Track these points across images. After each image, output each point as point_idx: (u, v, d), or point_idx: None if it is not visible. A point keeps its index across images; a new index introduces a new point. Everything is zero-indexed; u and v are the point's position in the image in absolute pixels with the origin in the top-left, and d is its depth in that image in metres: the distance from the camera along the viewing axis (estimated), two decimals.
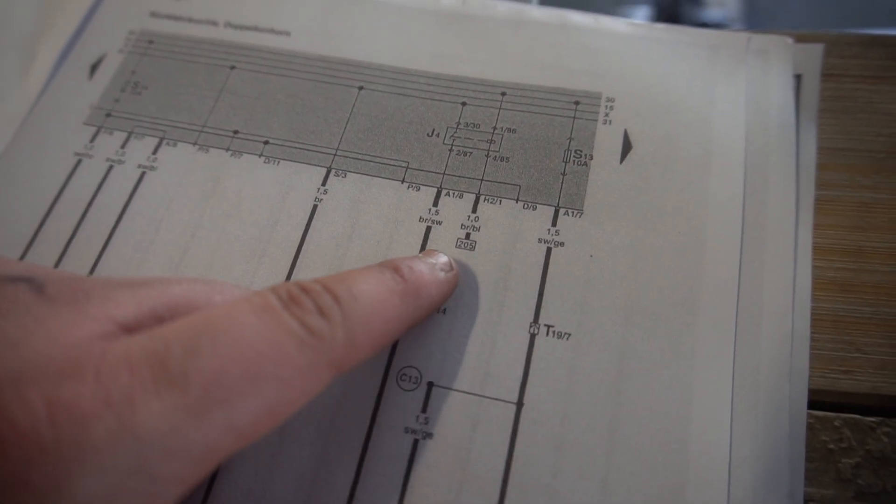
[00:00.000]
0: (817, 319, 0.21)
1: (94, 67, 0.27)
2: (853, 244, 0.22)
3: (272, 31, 0.27)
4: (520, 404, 0.19)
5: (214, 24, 0.28)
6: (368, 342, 0.16)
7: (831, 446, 0.19)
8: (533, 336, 0.20)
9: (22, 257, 0.23)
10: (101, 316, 0.15)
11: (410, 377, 0.20)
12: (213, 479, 0.19)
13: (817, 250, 0.21)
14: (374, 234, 0.22)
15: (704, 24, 1.43)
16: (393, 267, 0.18)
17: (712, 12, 1.50)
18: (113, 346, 0.14)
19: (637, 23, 0.26)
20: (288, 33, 0.27)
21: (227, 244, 0.23)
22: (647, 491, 0.18)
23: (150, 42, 0.27)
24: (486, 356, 0.20)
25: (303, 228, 0.23)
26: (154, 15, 0.28)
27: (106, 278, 0.20)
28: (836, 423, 0.20)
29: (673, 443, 0.19)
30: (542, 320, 0.21)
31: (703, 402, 0.19)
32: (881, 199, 0.22)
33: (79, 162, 0.25)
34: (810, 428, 0.19)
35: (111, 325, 0.15)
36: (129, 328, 0.16)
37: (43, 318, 0.15)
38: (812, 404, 0.19)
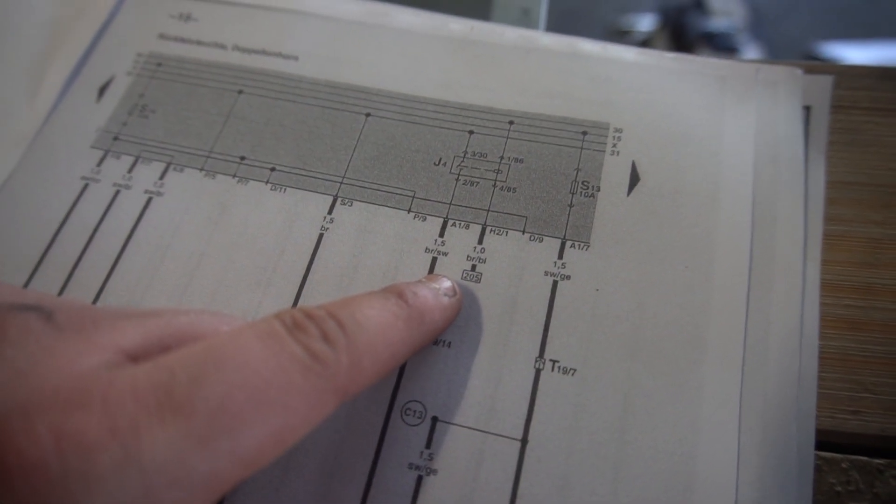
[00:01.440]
0: (825, 358, 0.20)
1: (102, 90, 0.27)
2: (862, 281, 0.22)
3: (280, 55, 0.27)
4: (524, 441, 0.19)
5: (223, 47, 0.28)
6: (373, 368, 0.16)
7: (839, 489, 0.19)
8: (538, 371, 0.20)
9: (27, 282, 0.23)
10: (109, 345, 0.15)
11: (415, 412, 0.20)
12: None
13: (826, 287, 0.21)
14: (379, 264, 0.22)
15: (710, 34, 1.43)
16: (397, 292, 0.18)
17: (718, 22, 1.49)
18: (119, 374, 0.14)
19: (646, 51, 0.26)
20: (296, 58, 0.27)
21: (232, 272, 0.23)
22: None
23: (159, 65, 0.28)
24: (490, 391, 0.20)
25: (308, 257, 0.23)
26: (162, 37, 0.28)
27: (114, 307, 0.20)
28: (843, 465, 0.19)
29: (679, 483, 0.19)
30: (547, 355, 0.20)
31: (709, 442, 0.19)
32: (891, 235, 0.22)
33: (85, 186, 0.25)
34: (818, 470, 0.19)
35: (118, 355, 0.15)
36: (136, 357, 0.16)
37: (51, 346, 0.15)
38: (820, 445, 0.19)
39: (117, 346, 0.16)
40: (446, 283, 0.21)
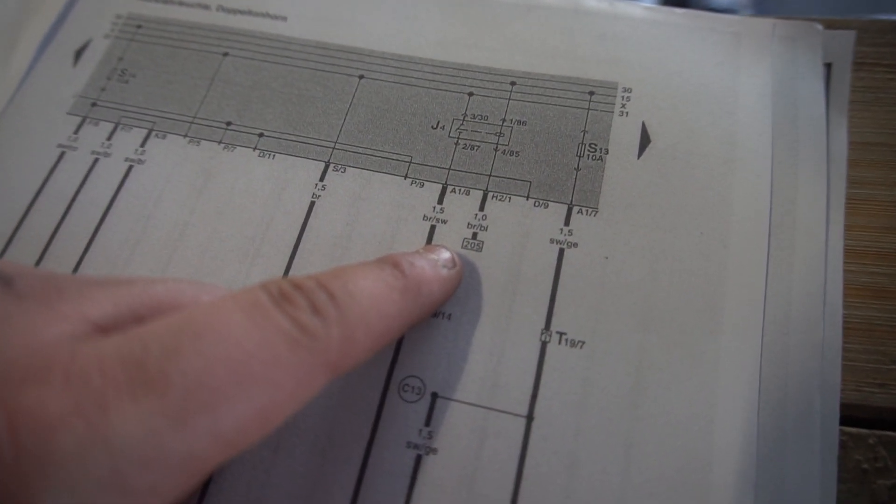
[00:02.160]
0: (850, 328, 0.19)
1: (78, 54, 0.26)
2: (888, 247, 0.20)
3: (267, 15, 0.26)
4: (530, 418, 0.18)
5: (206, 7, 0.26)
6: (366, 342, 0.15)
7: (865, 466, 0.18)
8: (544, 344, 0.19)
9: (0, 256, 0.22)
10: (75, 315, 0.14)
11: (413, 388, 0.19)
12: (201, 498, 0.18)
13: (849, 253, 0.20)
14: (374, 233, 0.21)
15: (712, 9, 1.40)
16: (393, 262, 0.17)
17: None
18: (85, 346, 0.13)
19: (655, 7, 0.24)
20: (284, 18, 0.26)
21: (218, 243, 0.21)
22: None
23: (139, 27, 0.26)
24: (493, 365, 0.19)
25: (299, 227, 0.21)
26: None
27: (83, 276, 0.18)
28: (870, 441, 0.18)
29: (694, 461, 0.17)
30: (553, 327, 0.19)
31: (727, 418, 0.18)
32: None
33: (62, 154, 0.23)
34: (843, 446, 0.18)
35: (85, 325, 0.14)
36: (106, 329, 0.14)
37: (9, 316, 0.13)
38: (844, 420, 0.18)
39: (84, 315, 0.14)
40: (445, 254, 0.19)
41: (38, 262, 0.21)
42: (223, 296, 0.14)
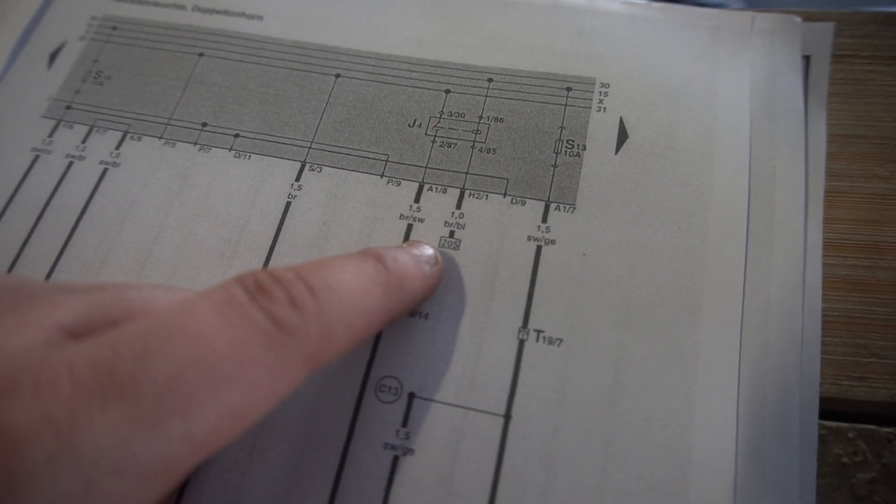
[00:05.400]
0: (829, 321, 0.19)
1: (53, 56, 0.25)
2: (867, 239, 0.20)
3: (243, 14, 0.25)
4: (507, 417, 0.18)
5: (182, 7, 0.26)
6: (346, 336, 0.15)
7: (845, 460, 0.18)
8: (522, 342, 0.19)
9: None
10: (46, 322, 0.14)
11: (390, 388, 0.19)
12: (178, 501, 0.18)
13: (829, 246, 0.20)
14: (351, 233, 0.21)
15: (702, 4, 1.40)
16: (376, 256, 0.17)
17: None
18: (55, 354, 0.13)
19: (633, 2, 0.24)
20: (260, 17, 0.25)
21: (194, 244, 0.21)
22: None
23: (114, 28, 0.26)
24: (471, 364, 0.19)
25: (275, 227, 0.21)
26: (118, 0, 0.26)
27: (56, 283, 0.18)
28: (850, 435, 0.18)
29: (673, 458, 0.17)
30: (531, 325, 0.19)
31: (706, 413, 0.18)
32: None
33: (36, 158, 0.23)
34: (822, 440, 0.18)
35: (57, 332, 0.14)
36: (79, 335, 0.14)
37: None
38: (824, 414, 0.18)
39: (56, 322, 0.14)
40: (428, 251, 0.19)
41: (10, 268, 0.21)
42: (197, 294, 0.14)
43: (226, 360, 0.13)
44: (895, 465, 0.18)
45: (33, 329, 0.14)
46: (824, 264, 0.19)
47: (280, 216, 0.21)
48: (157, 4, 0.26)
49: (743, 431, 0.18)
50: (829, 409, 0.18)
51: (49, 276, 0.21)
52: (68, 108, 0.24)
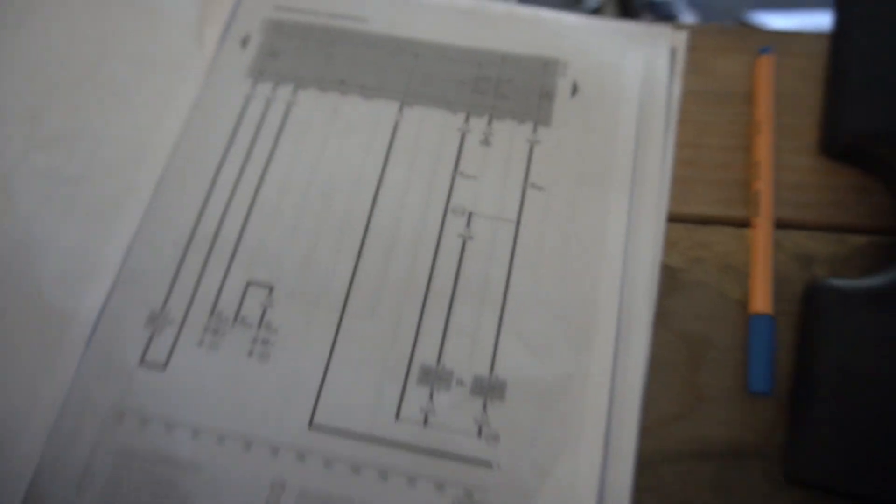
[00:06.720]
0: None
1: (244, 42, 0.43)
2: (693, 152, 0.39)
3: (357, 18, 0.43)
4: None
5: (317, 13, 0.44)
6: None
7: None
8: None
9: (213, 168, 0.39)
10: None
11: None
12: None
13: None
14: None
15: (652, 2, 1.60)
16: None
17: None
18: None
19: (582, 17, 0.43)
20: (367, 20, 0.43)
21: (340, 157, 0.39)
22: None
23: (278, 26, 0.43)
24: None
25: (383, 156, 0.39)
26: (278, 8, 0.44)
27: None
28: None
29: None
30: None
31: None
32: (714, 122, 0.40)
33: (247, 99, 0.41)
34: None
35: None
36: None
37: None
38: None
39: None
40: None
41: (240, 173, 0.39)
42: None
43: None
44: None
45: None
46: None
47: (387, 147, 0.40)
48: (301, 12, 0.44)
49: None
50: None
51: (270, 158, 0.39)
52: (261, 71, 0.42)
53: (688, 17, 1.65)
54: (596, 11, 1.68)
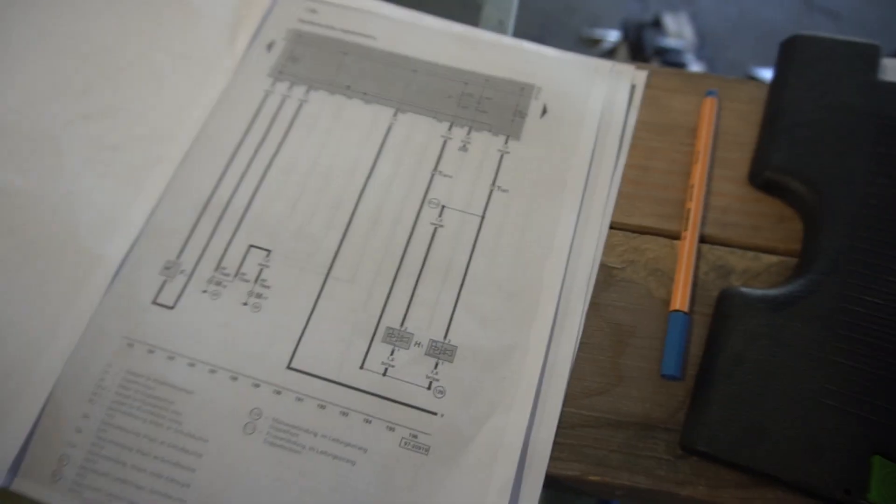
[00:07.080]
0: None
1: (269, 46, 0.50)
2: (639, 173, 0.46)
3: (367, 35, 0.51)
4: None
5: (333, 28, 0.51)
6: None
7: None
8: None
9: (235, 156, 0.46)
10: None
11: None
12: None
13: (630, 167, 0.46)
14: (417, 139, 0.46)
15: (663, 49, 1.69)
16: None
17: (671, 40, 1.76)
18: None
19: (560, 51, 0.50)
20: (374, 37, 0.51)
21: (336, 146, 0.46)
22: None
23: (300, 35, 0.51)
24: None
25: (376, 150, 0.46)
26: (302, 21, 0.51)
27: None
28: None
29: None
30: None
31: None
32: (661, 149, 0.47)
33: (266, 94, 0.48)
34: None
35: None
36: None
37: None
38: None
39: None
40: None
41: (259, 146, 0.46)
42: None
43: None
44: None
45: None
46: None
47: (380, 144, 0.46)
48: (320, 25, 0.51)
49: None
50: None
51: (282, 141, 0.46)
52: (280, 72, 0.49)
53: (695, 67, 1.73)
54: (610, 54, 1.77)
